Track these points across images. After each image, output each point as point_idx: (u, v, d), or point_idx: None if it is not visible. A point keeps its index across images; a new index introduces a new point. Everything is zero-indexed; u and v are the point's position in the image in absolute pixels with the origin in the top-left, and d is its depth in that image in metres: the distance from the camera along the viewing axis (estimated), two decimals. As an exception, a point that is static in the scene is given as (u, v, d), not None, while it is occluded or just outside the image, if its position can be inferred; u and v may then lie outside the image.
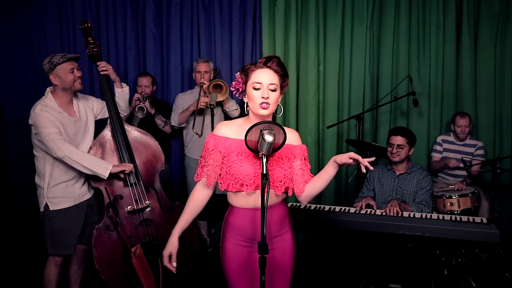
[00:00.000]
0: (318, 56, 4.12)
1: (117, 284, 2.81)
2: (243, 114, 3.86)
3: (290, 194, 1.93)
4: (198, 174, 1.93)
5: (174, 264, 1.92)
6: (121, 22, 4.27)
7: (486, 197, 3.75)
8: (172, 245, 1.92)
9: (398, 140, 3.22)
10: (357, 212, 2.97)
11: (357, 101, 4.13)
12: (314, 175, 1.94)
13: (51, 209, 2.73)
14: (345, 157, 1.75)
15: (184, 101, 3.93)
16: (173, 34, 4.24)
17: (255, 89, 1.81)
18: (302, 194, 1.93)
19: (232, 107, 3.87)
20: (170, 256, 1.92)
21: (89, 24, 3.06)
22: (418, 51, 4.04)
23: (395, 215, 2.88)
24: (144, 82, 3.88)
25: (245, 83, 1.87)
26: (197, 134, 3.69)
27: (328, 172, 1.84)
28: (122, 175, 2.84)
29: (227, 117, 3.97)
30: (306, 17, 4.10)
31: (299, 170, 1.92)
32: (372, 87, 4.13)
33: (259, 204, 1.81)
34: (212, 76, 3.90)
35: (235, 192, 1.88)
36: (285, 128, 1.84)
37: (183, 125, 3.94)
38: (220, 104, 3.88)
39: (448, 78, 4.04)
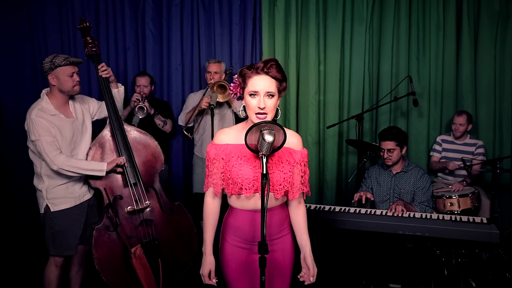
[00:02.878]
0: (318, 56, 4.12)
1: (117, 284, 2.80)
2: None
3: (291, 198, 1.91)
4: (206, 184, 1.94)
5: (215, 280, 1.96)
6: (121, 22, 4.26)
7: (487, 196, 3.75)
8: (210, 263, 1.95)
9: (388, 144, 3.21)
10: (357, 212, 2.97)
11: (357, 101, 4.13)
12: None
13: (52, 210, 2.73)
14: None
15: (194, 101, 3.92)
16: (174, 34, 4.23)
17: (251, 96, 1.79)
18: (291, 206, 1.99)
19: (239, 107, 3.85)
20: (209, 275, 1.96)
21: (87, 24, 3.06)
22: (418, 51, 4.04)
23: (399, 213, 2.88)
24: (143, 82, 3.87)
25: (243, 88, 1.84)
26: (187, 135, 3.71)
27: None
28: (119, 169, 2.84)
29: (237, 117, 3.96)
30: (306, 17, 4.10)
31: (297, 177, 1.90)
32: (372, 87, 4.13)
33: (258, 206, 1.81)
34: (223, 77, 3.90)
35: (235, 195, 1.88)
36: (288, 132, 1.83)
37: (190, 125, 3.93)
38: (229, 104, 3.88)
39: (448, 78, 4.03)
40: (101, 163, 2.80)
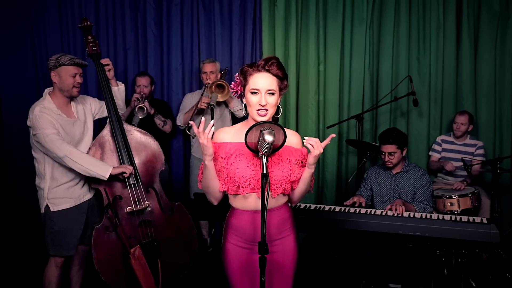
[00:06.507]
0: (318, 56, 4.12)
1: (117, 285, 2.80)
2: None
3: (287, 193, 1.91)
4: (199, 182, 1.92)
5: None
6: (121, 22, 4.26)
7: (487, 196, 3.75)
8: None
9: (388, 148, 3.20)
10: (357, 212, 2.97)
11: (357, 101, 4.13)
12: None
13: (52, 210, 2.73)
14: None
15: (191, 101, 3.92)
16: (174, 34, 4.23)
17: (252, 93, 1.79)
18: (289, 195, 1.97)
19: (236, 106, 3.86)
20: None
21: (88, 23, 3.06)
22: (418, 51, 4.04)
23: (400, 213, 2.88)
24: (143, 82, 3.88)
25: (244, 86, 1.84)
26: (189, 134, 3.69)
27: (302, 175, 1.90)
28: (121, 177, 2.83)
29: (234, 116, 3.96)
30: (306, 17, 4.10)
31: (297, 174, 1.91)
32: (372, 87, 4.13)
33: (259, 207, 1.81)
34: (219, 76, 3.89)
35: (234, 194, 1.88)
36: (288, 130, 1.83)
37: (189, 125, 3.93)
38: (226, 104, 3.88)
39: (448, 78, 4.03)
40: (106, 166, 2.73)
